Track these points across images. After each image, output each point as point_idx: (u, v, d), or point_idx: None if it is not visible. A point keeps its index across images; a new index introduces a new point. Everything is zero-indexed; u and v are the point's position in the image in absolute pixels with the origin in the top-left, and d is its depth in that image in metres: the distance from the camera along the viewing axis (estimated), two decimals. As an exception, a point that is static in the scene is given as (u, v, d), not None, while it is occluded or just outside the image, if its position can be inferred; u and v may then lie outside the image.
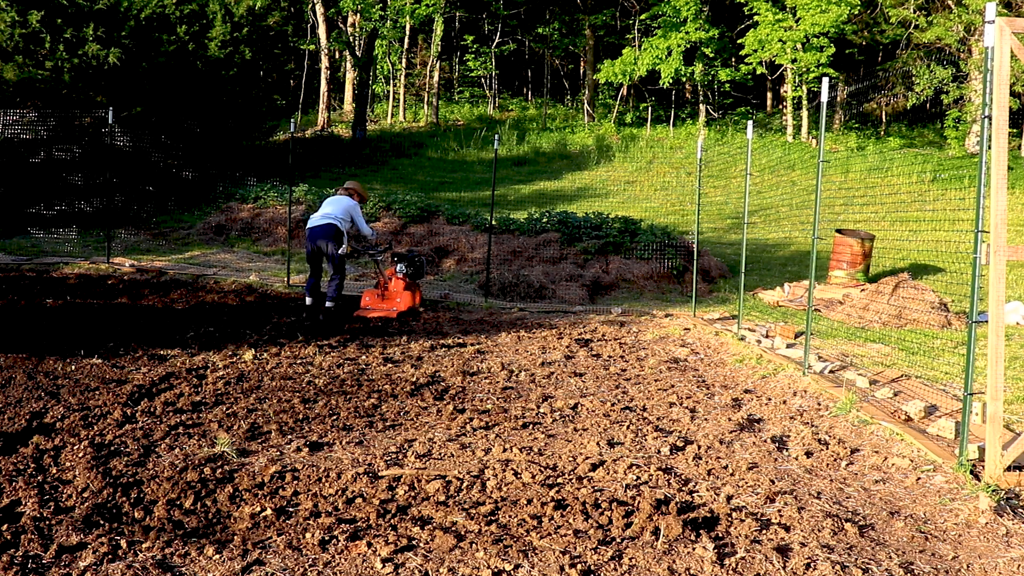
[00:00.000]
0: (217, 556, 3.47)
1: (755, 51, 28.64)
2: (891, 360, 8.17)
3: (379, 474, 4.52)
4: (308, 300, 9.67)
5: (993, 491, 4.52)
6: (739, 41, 30.03)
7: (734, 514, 4.06)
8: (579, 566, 3.45)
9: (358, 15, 31.24)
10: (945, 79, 26.04)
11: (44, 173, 16.40)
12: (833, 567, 3.54)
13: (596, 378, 7.32)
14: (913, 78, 26.26)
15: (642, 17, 33.02)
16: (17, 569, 3.30)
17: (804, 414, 6.28)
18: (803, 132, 29.56)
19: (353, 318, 9.90)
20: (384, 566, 3.43)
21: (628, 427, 5.69)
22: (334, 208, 9.78)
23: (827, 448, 5.36)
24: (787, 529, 3.96)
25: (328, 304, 9.56)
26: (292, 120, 14.24)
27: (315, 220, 9.72)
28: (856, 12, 28.01)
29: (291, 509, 4.03)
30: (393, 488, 4.32)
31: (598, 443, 5.24)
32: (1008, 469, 4.75)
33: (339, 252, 9.55)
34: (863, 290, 11.81)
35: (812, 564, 3.58)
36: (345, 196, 9.96)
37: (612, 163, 27.54)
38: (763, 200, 19.80)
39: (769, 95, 35.58)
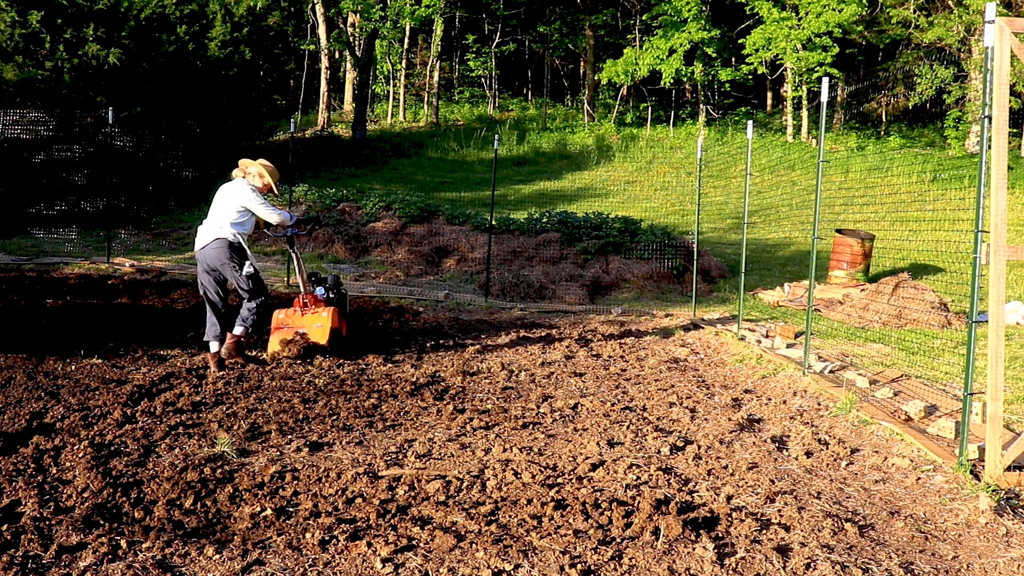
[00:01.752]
0: (217, 556, 3.47)
1: (758, 50, 28.65)
2: (891, 360, 8.16)
3: (379, 474, 4.52)
4: (213, 347, 6.98)
5: (993, 491, 4.52)
6: (740, 41, 30.03)
7: (734, 514, 4.06)
8: (579, 566, 3.45)
9: (358, 15, 31.25)
10: (947, 79, 26.04)
11: (45, 173, 16.42)
12: (833, 567, 3.54)
13: (596, 378, 7.32)
14: (915, 78, 26.27)
15: (643, 17, 33.02)
16: (17, 569, 3.30)
17: (804, 414, 6.28)
18: (803, 132, 29.56)
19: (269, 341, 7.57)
20: (384, 566, 3.43)
21: (628, 427, 5.69)
22: (219, 212, 7.06)
23: (827, 448, 5.36)
24: (787, 529, 3.96)
25: (237, 330, 7.06)
26: (292, 120, 14.26)
27: (200, 239, 7.09)
28: (863, 12, 28.05)
29: (291, 509, 4.02)
30: (393, 488, 4.32)
31: (598, 443, 5.24)
32: (1008, 469, 4.74)
33: (244, 273, 6.95)
34: (863, 290, 11.81)
35: (812, 564, 3.58)
36: (234, 187, 7.16)
37: (612, 163, 27.54)
38: (763, 200, 19.80)
39: (769, 95, 35.58)
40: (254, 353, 7.49)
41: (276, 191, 7.47)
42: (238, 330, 7.08)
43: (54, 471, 4.43)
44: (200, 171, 18.84)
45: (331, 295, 7.94)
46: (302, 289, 7.75)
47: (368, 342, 8.28)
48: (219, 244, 6.92)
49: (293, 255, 7.77)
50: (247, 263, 6.96)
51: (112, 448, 4.82)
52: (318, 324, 7.52)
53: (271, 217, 7.20)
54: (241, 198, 7.03)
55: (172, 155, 18.50)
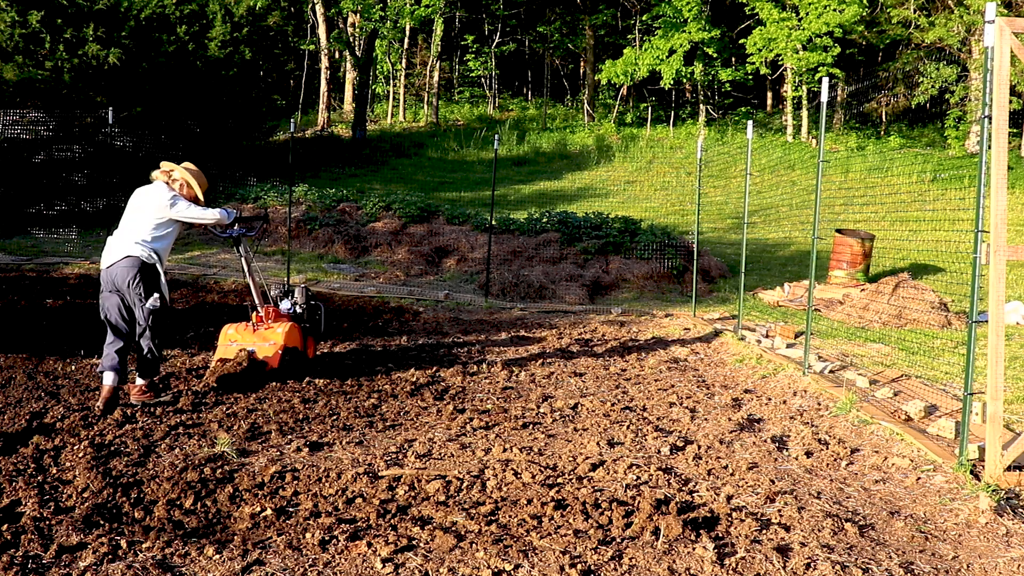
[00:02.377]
0: (217, 556, 3.47)
1: (760, 50, 28.65)
2: (891, 360, 8.16)
3: (379, 474, 4.52)
4: (108, 379, 5.67)
5: (993, 491, 4.52)
6: (740, 41, 30.04)
7: (734, 514, 4.06)
8: (579, 566, 3.45)
9: (358, 15, 31.26)
10: (950, 78, 26.06)
11: (45, 173, 16.40)
12: (833, 567, 3.54)
13: (596, 378, 7.32)
14: (917, 78, 26.29)
15: (643, 17, 33.03)
16: (17, 569, 3.30)
17: (804, 414, 6.28)
18: (803, 132, 29.56)
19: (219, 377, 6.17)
20: (384, 566, 3.43)
21: (628, 427, 5.69)
22: (133, 224, 5.88)
23: (827, 448, 5.36)
24: (787, 529, 3.96)
25: (140, 381, 5.84)
26: (292, 120, 14.24)
27: (107, 254, 5.87)
28: (864, 12, 28.09)
29: (291, 509, 4.02)
30: (393, 488, 4.32)
31: (598, 443, 5.24)
32: (1008, 469, 4.74)
33: (148, 306, 5.73)
34: (863, 290, 11.81)
35: (812, 564, 3.58)
36: (151, 193, 5.98)
37: (612, 163, 27.54)
38: (763, 200, 19.81)
39: (769, 95, 35.59)
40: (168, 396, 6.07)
41: (201, 202, 6.23)
42: (141, 381, 5.86)
43: (54, 471, 4.43)
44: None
45: (297, 309, 6.89)
46: (256, 300, 6.69)
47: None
48: (129, 263, 5.74)
49: (242, 259, 6.64)
50: (155, 295, 5.77)
51: (112, 448, 4.82)
52: (270, 342, 6.43)
53: (203, 218, 6.07)
54: (161, 207, 5.87)
55: (172, 155, 18.44)
